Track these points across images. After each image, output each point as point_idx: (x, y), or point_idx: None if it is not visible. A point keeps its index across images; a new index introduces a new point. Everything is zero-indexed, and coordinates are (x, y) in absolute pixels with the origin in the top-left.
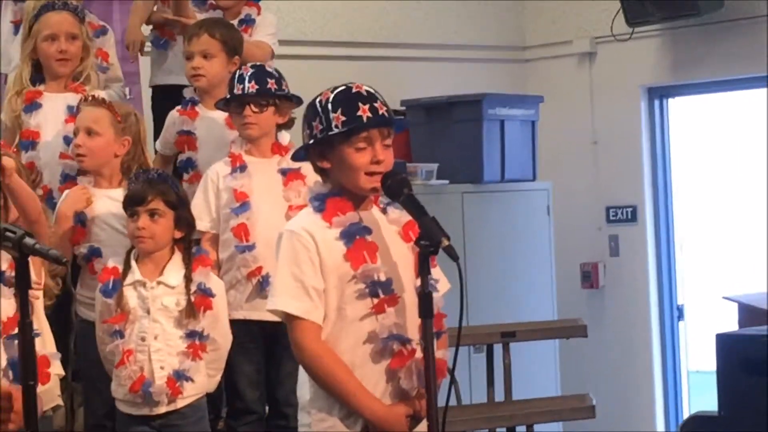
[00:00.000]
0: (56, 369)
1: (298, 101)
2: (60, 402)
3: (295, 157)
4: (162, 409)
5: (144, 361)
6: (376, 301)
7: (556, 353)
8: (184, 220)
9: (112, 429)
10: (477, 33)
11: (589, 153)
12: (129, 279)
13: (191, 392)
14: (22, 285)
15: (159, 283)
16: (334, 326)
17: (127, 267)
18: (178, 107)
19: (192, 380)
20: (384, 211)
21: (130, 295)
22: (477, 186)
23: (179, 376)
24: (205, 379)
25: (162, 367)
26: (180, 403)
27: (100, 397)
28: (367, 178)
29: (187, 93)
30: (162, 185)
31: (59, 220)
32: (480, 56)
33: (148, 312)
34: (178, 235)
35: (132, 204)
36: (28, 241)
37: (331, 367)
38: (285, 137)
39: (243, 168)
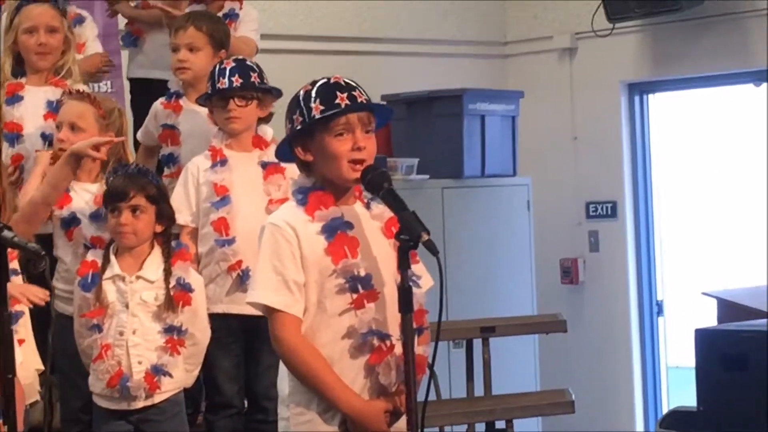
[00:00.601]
0: (36, 364)
1: (278, 94)
2: (38, 397)
3: (279, 154)
4: (139, 404)
5: (122, 355)
6: (355, 296)
7: (536, 348)
8: (165, 214)
9: (88, 423)
10: (458, 28)
11: (570, 148)
12: (108, 273)
13: (169, 387)
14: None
15: (138, 277)
16: (314, 320)
17: (106, 261)
18: (162, 100)
19: (170, 375)
20: (367, 206)
21: (109, 290)
22: (457, 181)
23: (157, 371)
24: (183, 373)
25: (140, 362)
26: (158, 398)
27: (76, 391)
28: (350, 166)
29: (172, 85)
30: (142, 180)
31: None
32: (461, 51)
33: (127, 306)
34: (158, 229)
35: (113, 200)
36: (7, 234)
37: (310, 361)
38: (268, 132)
39: (223, 162)
